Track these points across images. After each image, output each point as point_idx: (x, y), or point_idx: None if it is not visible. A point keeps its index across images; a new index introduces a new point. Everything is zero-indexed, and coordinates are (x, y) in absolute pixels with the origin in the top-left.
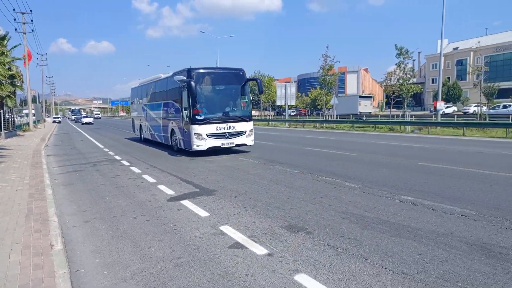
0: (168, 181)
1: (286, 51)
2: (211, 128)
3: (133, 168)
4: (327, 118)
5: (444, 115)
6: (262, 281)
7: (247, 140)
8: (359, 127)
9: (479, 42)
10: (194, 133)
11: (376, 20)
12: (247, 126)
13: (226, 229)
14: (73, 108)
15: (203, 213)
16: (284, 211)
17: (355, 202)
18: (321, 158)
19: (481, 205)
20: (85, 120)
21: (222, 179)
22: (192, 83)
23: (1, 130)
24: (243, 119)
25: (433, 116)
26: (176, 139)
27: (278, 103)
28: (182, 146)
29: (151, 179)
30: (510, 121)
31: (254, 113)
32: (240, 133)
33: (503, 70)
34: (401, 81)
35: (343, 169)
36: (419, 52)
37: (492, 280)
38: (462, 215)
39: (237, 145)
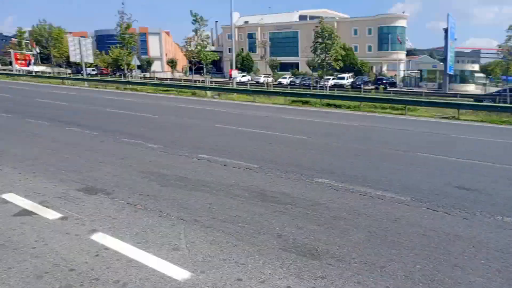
0: None
1: (80, 2)
2: None
3: None
4: (130, 80)
5: (241, 83)
6: (55, 245)
7: None
8: (163, 90)
9: (261, 19)
10: None
11: None
12: None
13: (11, 197)
14: None
15: None
16: (81, 174)
17: (156, 162)
18: (123, 120)
19: (261, 159)
20: None
21: (4, 144)
22: None
23: None
24: None
25: (230, 83)
26: None
27: (72, 59)
28: None
29: None
30: (288, 91)
31: (44, 68)
32: None
33: (284, 47)
34: (199, 47)
35: (146, 131)
36: (216, 22)
37: (264, 218)
38: (247, 168)
39: None
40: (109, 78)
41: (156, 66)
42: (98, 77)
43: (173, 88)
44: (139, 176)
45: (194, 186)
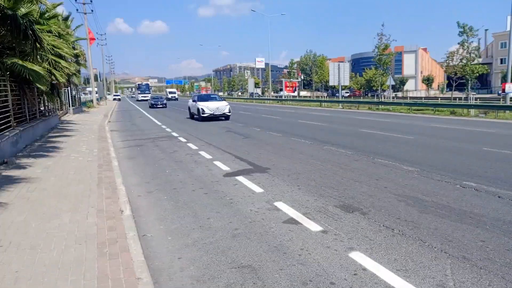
0: (223, 157)
1: (339, 30)
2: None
3: (190, 145)
4: (383, 100)
5: None
6: (317, 256)
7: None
8: (417, 110)
9: None
10: None
11: None
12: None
13: (280, 205)
14: (139, 83)
15: (257, 189)
16: (338, 191)
17: (412, 186)
18: (377, 141)
19: None
20: (155, 102)
21: (275, 158)
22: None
23: (70, 106)
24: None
25: (502, 99)
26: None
27: (331, 83)
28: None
29: (207, 156)
30: None
31: (305, 93)
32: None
33: None
34: (464, 61)
35: (400, 152)
36: (486, 30)
37: None
38: None
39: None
40: (361, 99)
41: (409, 85)
42: (351, 99)
43: (428, 108)
44: (395, 199)
45: (460, 218)
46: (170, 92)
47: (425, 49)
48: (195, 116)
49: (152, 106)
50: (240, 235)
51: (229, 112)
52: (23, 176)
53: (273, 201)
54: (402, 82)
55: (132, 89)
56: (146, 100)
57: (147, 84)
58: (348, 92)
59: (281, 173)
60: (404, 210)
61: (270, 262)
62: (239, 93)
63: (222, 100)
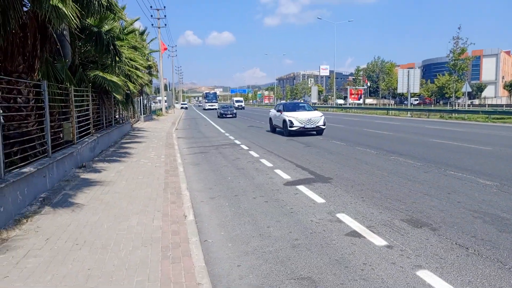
0: (284, 166)
1: (410, 35)
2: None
3: (252, 152)
4: (457, 108)
5: None
6: (381, 272)
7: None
8: (497, 119)
9: None
10: None
11: None
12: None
13: (343, 217)
14: (206, 92)
15: (319, 199)
16: (405, 205)
17: (491, 201)
18: (449, 151)
19: None
20: (224, 111)
21: (338, 168)
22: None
23: (141, 114)
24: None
25: None
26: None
27: (399, 91)
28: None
29: (268, 164)
30: None
31: (371, 101)
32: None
33: None
34: None
35: (476, 164)
36: None
37: None
38: None
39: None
40: (432, 107)
41: (488, 92)
42: (421, 107)
43: (510, 116)
44: (470, 216)
45: None
46: (237, 101)
47: (508, 52)
48: (277, 130)
49: (221, 115)
50: (300, 246)
51: (324, 125)
52: (98, 179)
53: (335, 212)
54: (480, 88)
55: (198, 98)
56: (214, 109)
57: (215, 93)
58: (417, 100)
59: (344, 183)
60: (480, 228)
61: (330, 275)
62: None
63: (314, 110)
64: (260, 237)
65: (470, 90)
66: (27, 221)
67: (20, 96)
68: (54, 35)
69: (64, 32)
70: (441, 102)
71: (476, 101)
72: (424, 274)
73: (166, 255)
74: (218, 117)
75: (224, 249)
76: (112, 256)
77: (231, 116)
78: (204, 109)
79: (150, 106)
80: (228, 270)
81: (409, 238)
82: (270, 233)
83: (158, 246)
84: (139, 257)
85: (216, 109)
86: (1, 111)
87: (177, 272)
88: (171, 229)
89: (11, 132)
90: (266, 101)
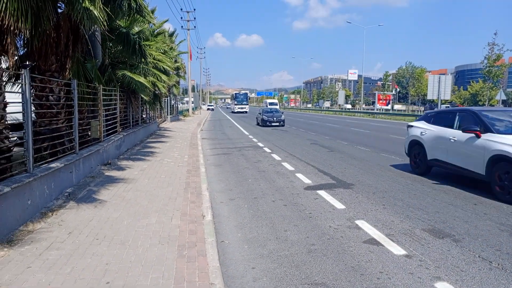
0: (306, 170)
1: (443, 40)
2: None
3: (274, 155)
4: None
5: None
6: (398, 282)
7: None
8: None
9: None
10: None
11: None
12: None
13: (362, 224)
14: (236, 92)
15: (339, 205)
16: (428, 214)
17: None
18: None
19: None
20: (268, 117)
21: (361, 174)
22: None
23: (168, 114)
24: None
25: None
26: None
27: (429, 97)
28: None
29: (289, 167)
30: None
31: (400, 107)
32: None
33: None
34: None
35: None
36: None
37: None
38: None
39: None
40: None
41: None
42: None
43: None
44: (497, 228)
45: None
46: (271, 104)
47: None
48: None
49: (264, 123)
50: (316, 251)
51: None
52: (122, 177)
53: (354, 219)
54: None
55: (224, 100)
56: (243, 112)
57: (246, 94)
58: (448, 107)
59: (366, 190)
60: (507, 242)
61: (345, 282)
62: (329, 105)
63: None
64: (276, 240)
65: (505, 98)
66: (52, 214)
67: (52, 94)
68: (86, 35)
69: (96, 33)
70: None
71: None
72: (443, 286)
73: (181, 254)
74: (259, 125)
75: (240, 251)
76: (129, 252)
77: (277, 124)
78: (233, 112)
79: (177, 107)
80: (242, 272)
81: (430, 248)
82: (287, 237)
83: (174, 245)
84: (156, 254)
85: (246, 112)
86: (34, 108)
87: (191, 271)
88: (188, 229)
89: (42, 128)
90: (292, 104)
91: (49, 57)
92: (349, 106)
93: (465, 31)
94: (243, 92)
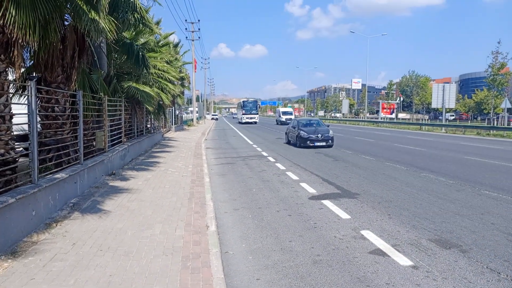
0: (310, 179)
1: (446, 49)
2: None
3: (278, 165)
4: (495, 124)
5: None
6: None
7: None
8: None
9: None
10: None
11: None
12: None
13: (368, 234)
14: (244, 100)
15: (344, 215)
16: (434, 224)
17: None
18: (485, 170)
19: None
20: (309, 133)
21: (366, 183)
22: None
23: (172, 124)
24: None
25: None
26: None
27: (433, 105)
28: None
29: (294, 177)
30: None
31: (404, 115)
32: None
33: None
34: None
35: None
36: None
37: None
38: None
39: None
40: (468, 123)
41: None
42: (457, 122)
43: None
44: (505, 238)
45: None
46: (284, 113)
47: None
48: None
49: (304, 142)
50: (321, 262)
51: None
52: (126, 187)
53: (359, 229)
54: None
55: (228, 110)
56: (252, 123)
57: (255, 102)
58: (453, 115)
59: (371, 199)
60: None
61: None
62: (333, 114)
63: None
64: (281, 251)
65: (510, 106)
66: (56, 225)
67: (57, 105)
68: (92, 47)
69: (102, 45)
70: (478, 118)
71: None
72: None
73: (185, 265)
74: (289, 143)
75: (244, 262)
76: (133, 263)
77: (324, 144)
78: (240, 123)
79: (182, 117)
80: (246, 283)
81: (437, 259)
82: (292, 248)
83: (178, 256)
84: (160, 265)
85: (255, 123)
86: (39, 119)
87: (195, 283)
88: (192, 239)
89: (47, 139)
90: (296, 114)
91: (55, 68)
92: (339, 114)
93: (469, 39)
94: (252, 100)
